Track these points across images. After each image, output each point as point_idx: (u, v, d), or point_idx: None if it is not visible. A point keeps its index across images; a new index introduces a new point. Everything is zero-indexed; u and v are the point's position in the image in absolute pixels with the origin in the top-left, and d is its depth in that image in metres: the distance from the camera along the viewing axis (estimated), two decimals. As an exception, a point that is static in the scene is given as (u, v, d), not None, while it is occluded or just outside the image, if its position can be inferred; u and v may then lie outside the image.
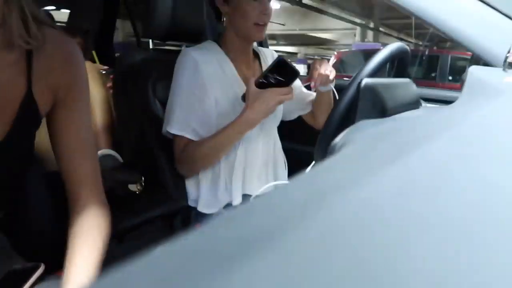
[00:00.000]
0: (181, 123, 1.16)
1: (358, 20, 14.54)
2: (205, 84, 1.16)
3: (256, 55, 1.35)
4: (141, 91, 1.33)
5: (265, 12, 1.15)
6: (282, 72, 1.07)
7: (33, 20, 0.67)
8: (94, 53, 2.01)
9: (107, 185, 1.09)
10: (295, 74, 1.08)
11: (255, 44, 1.35)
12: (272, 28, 14.82)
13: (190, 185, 1.27)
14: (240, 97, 1.14)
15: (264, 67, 1.29)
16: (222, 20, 1.24)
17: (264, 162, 1.31)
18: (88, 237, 0.73)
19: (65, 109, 0.74)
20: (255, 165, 1.28)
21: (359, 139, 0.39)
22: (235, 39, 1.23)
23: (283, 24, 15.04)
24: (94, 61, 1.92)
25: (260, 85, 1.09)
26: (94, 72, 1.50)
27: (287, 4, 11.57)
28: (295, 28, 15.90)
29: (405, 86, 0.66)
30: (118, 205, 1.16)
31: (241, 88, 1.21)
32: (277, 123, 1.39)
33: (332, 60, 7.63)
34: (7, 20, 0.63)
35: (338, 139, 0.44)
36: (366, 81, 0.58)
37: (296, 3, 11.07)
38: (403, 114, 0.55)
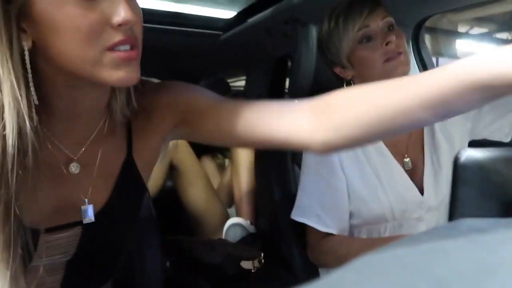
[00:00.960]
0: (303, 207, 1.01)
1: None
2: (333, 162, 0.97)
3: None
4: (279, 155, 1.25)
5: (388, 40, 0.91)
6: None
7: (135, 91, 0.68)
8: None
9: (216, 261, 1.01)
10: None
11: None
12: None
13: (323, 270, 1.07)
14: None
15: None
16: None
17: None
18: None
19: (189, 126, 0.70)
20: None
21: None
22: None
23: None
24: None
25: None
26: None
27: None
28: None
29: None
30: (224, 284, 1.06)
31: (388, 166, 0.98)
32: None
33: None
34: (112, 107, 0.66)
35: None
36: (467, 153, 0.32)
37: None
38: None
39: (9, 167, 0.54)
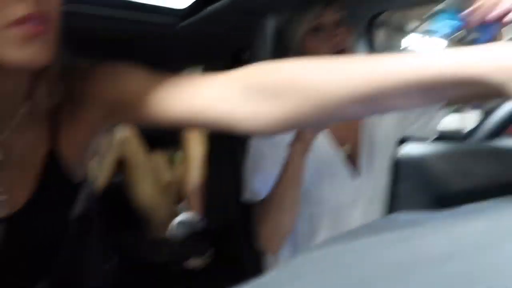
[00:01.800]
0: (253, 189, 1.00)
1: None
2: (275, 143, 0.97)
3: None
4: (231, 149, 1.23)
5: (338, 33, 0.94)
6: None
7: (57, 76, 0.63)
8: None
9: (161, 260, 0.98)
10: None
11: None
12: None
13: (270, 264, 1.06)
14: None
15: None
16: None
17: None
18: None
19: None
20: None
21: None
22: None
23: None
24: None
25: None
26: (197, 132, 1.48)
27: None
28: None
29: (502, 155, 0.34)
30: (171, 283, 1.03)
31: (328, 150, 1.00)
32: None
33: None
34: (34, 94, 0.60)
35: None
36: (405, 149, 0.32)
37: None
38: (478, 206, 0.27)
39: None
